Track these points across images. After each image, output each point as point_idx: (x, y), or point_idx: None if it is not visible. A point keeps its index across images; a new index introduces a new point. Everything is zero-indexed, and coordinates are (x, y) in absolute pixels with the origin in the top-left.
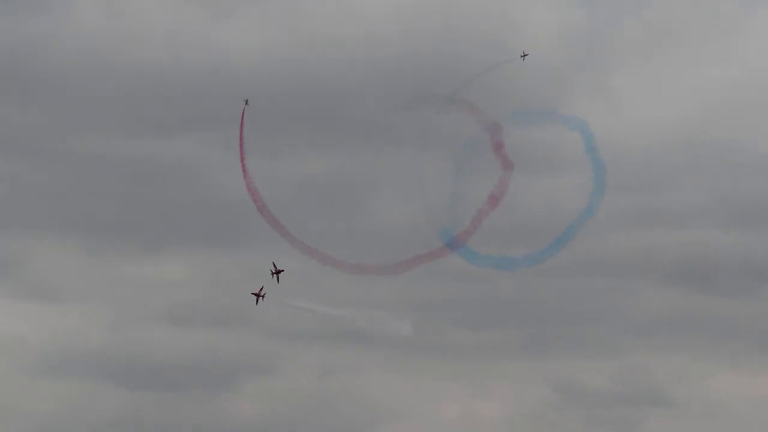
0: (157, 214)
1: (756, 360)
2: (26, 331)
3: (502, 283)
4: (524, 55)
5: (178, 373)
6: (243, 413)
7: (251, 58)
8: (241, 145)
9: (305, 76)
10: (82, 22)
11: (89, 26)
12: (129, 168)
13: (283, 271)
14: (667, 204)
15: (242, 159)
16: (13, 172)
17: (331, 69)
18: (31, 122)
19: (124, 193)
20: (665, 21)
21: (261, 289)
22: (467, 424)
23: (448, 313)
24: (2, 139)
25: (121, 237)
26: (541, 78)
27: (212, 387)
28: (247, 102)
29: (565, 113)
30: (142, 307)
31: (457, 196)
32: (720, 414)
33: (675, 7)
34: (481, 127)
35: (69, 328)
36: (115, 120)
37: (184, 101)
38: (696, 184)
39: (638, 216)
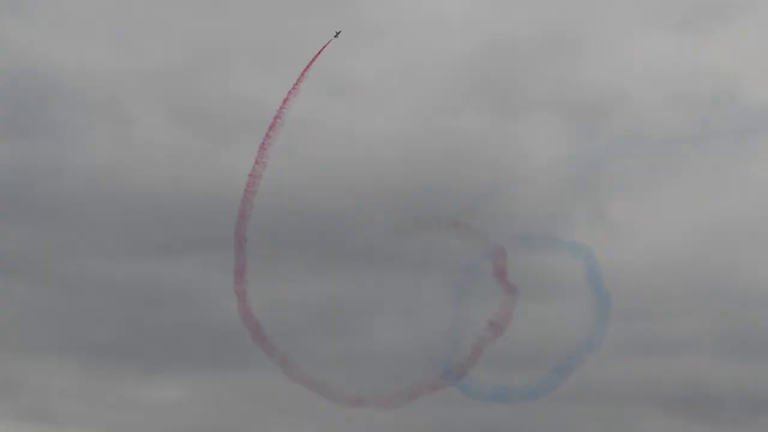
0: (157, 337)
1: None
2: None
3: (500, 409)
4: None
5: None
6: None
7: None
8: (236, 270)
9: (304, 199)
10: (86, 148)
11: (93, 149)
12: (130, 290)
13: None
14: (667, 332)
15: (237, 283)
16: (14, 294)
17: (331, 192)
18: (33, 245)
19: (124, 315)
20: (664, 154)
21: None
22: None
23: None
24: (3, 261)
25: (121, 360)
26: (541, 204)
27: None
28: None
29: (568, 238)
30: (142, 430)
31: (458, 325)
32: None
33: (673, 142)
34: (482, 252)
35: None
36: (117, 243)
37: (187, 224)
38: (695, 313)
39: (637, 344)
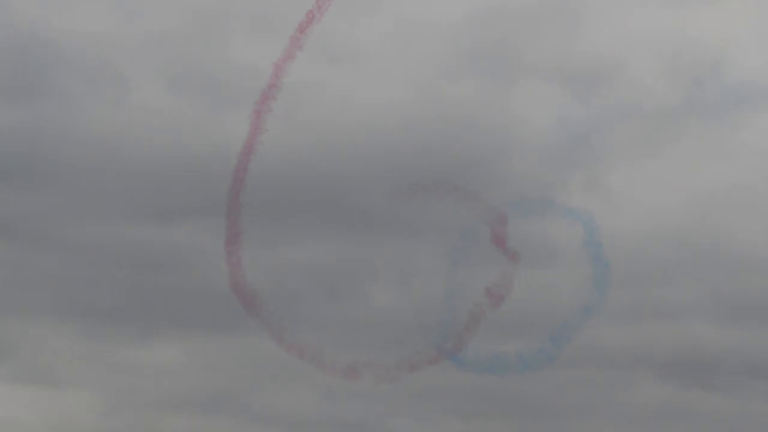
0: (155, 301)
1: None
2: (25, 415)
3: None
4: None
5: None
6: None
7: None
8: (228, 239)
9: (302, 163)
10: (82, 113)
11: (92, 115)
12: (128, 255)
13: None
14: (663, 298)
15: (228, 250)
16: (13, 257)
17: (328, 158)
18: (32, 209)
19: (122, 279)
20: (660, 122)
21: None
22: None
23: (439, 403)
24: (3, 225)
25: (118, 323)
26: (539, 169)
27: None
28: None
29: (565, 204)
30: (139, 393)
31: (455, 292)
32: None
33: (670, 106)
34: (482, 218)
35: (67, 413)
36: (116, 207)
37: (185, 190)
38: (691, 279)
39: (633, 310)
